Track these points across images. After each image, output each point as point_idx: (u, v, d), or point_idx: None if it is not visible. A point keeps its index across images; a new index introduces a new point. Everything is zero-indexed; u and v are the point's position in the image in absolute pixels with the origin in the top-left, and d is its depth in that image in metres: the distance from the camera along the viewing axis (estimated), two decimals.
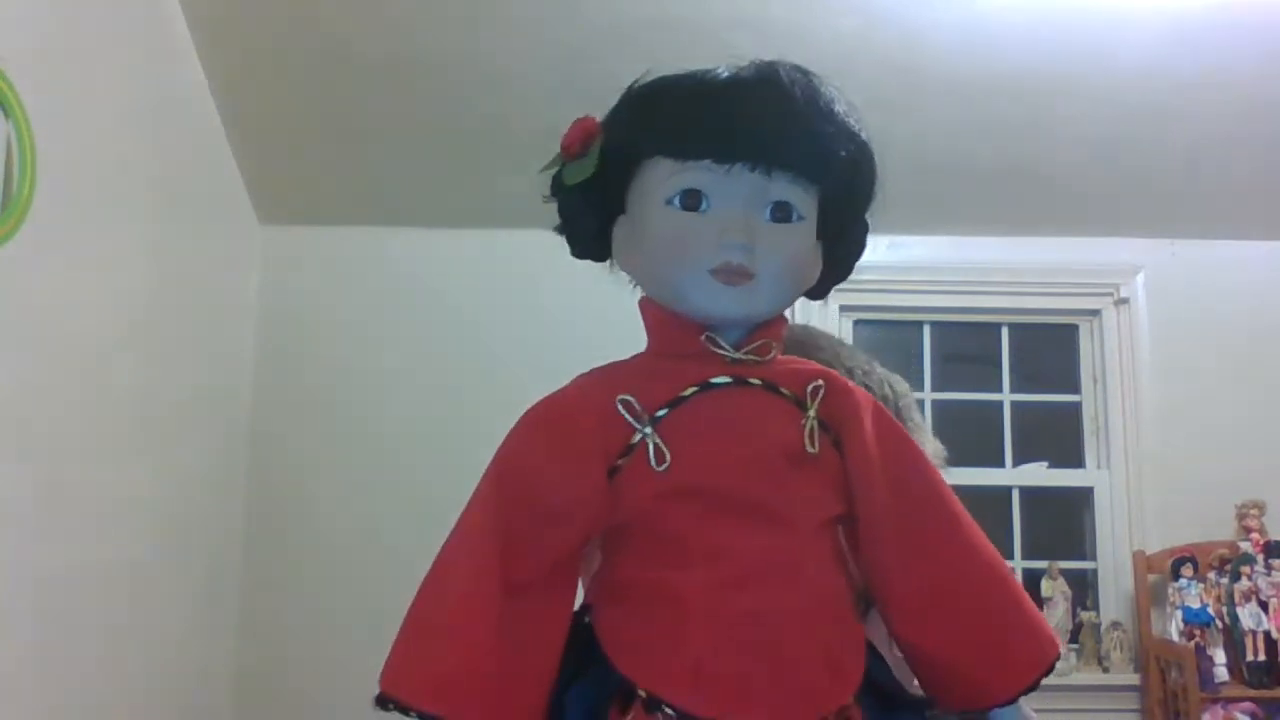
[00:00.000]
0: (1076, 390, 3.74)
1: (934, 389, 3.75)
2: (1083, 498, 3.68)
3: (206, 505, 3.21)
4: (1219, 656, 3.28)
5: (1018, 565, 3.61)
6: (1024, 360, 3.79)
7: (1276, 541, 3.40)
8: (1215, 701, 3.22)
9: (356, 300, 3.57)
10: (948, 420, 3.74)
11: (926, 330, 3.77)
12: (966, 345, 3.85)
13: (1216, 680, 3.25)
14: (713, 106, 1.00)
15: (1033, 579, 3.51)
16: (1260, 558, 3.38)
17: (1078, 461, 3.71)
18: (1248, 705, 3.23)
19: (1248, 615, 3.31)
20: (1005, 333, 3.77)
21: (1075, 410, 3.73)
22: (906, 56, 3.00)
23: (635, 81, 1.04)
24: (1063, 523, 3.72)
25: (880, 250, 3.67)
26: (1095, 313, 3.71)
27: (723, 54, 1.04)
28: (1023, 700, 1.05)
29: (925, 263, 3.66)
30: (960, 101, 3.15)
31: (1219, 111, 3.18)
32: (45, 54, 2.28)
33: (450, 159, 3.31)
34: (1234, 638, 3.31)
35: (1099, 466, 3.66)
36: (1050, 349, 3.79)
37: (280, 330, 3.55)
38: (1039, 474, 3.68)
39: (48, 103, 2.22)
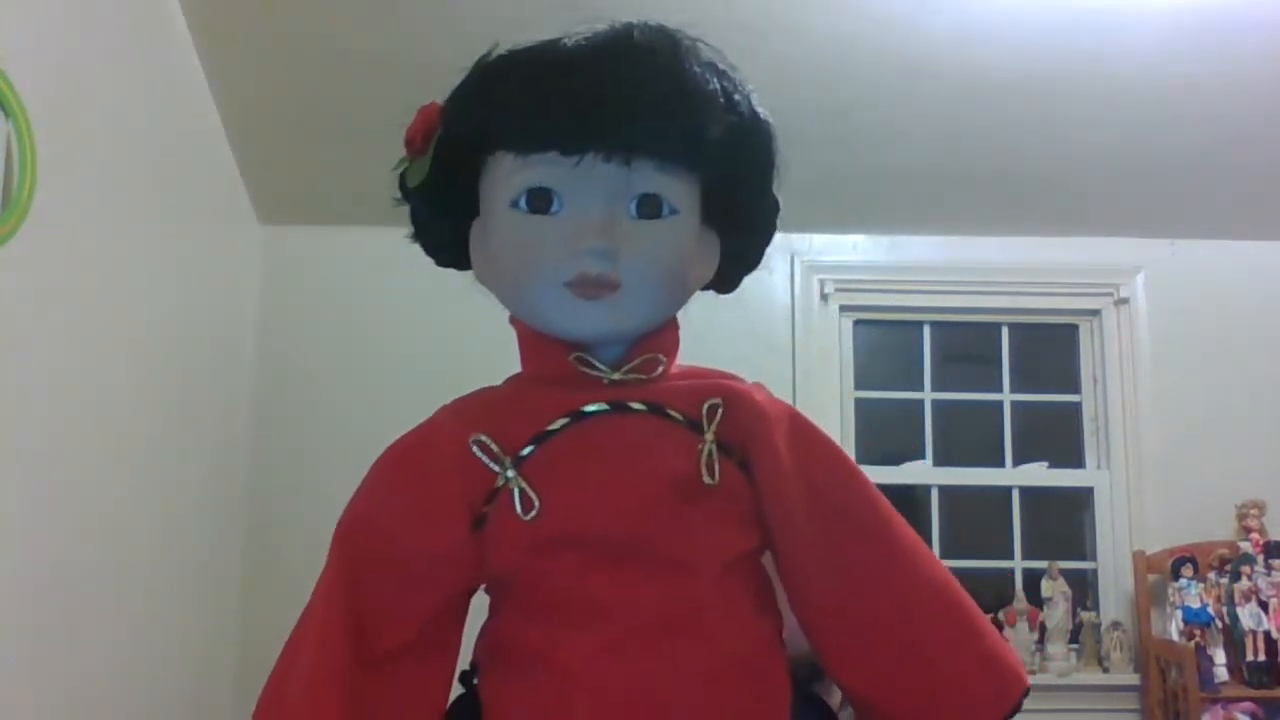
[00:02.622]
0: (1076, 390, 3.74)
1: (934, 389, 3.75)
2: (1083, 498, 3.68)
3: (206, 504, 3.20)
4: (1219, 656, 3.28)
5: (1018, 565, 3.61)
6: (1024, 360, 3.78)
7: (1276, 541, 3.40)
8: (1215, 701, 3.22)
9: (356, 300, 3.57)
10: (948, 420, 3.74)
11: (926, 330, 3.77)
12: (966, 345, 3.85)
13: (1216, 680, 3.25)
14: (554, 86, 0.82)
15: (1033, 579, 3.51)
16: (1260, 558, 3.37)
17: (1078, 461, 3.71)
18: (1248, 705, 3.23)
19: (1248, 615, 3.31)
20: (1005, 333, 3.76)
21: (1075, 410, 3.73)
22: (906, 56, 3.00)
23: (482, 57, 0.88)
24: (1063, 523, 3.72)
25: (880, 250, 3.68)
26: (1095, 313, 3.71)
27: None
28: None
29: (925, 263, 3.66)
30: (960, 101, 3.14)
31: (1219, 112, 3.18)
32: (45, 54, 2.28)
33: None
34: (1234, 638, 3.31)
35: (1099, 466, 3.66)
36: (1050, 349, 3.79)
37: (280, 330, 3.55)
38: (1039, 474, 3.67)
39: (48, 103, 2.22)
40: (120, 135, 2.62)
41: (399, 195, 0.93)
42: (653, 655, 0.82)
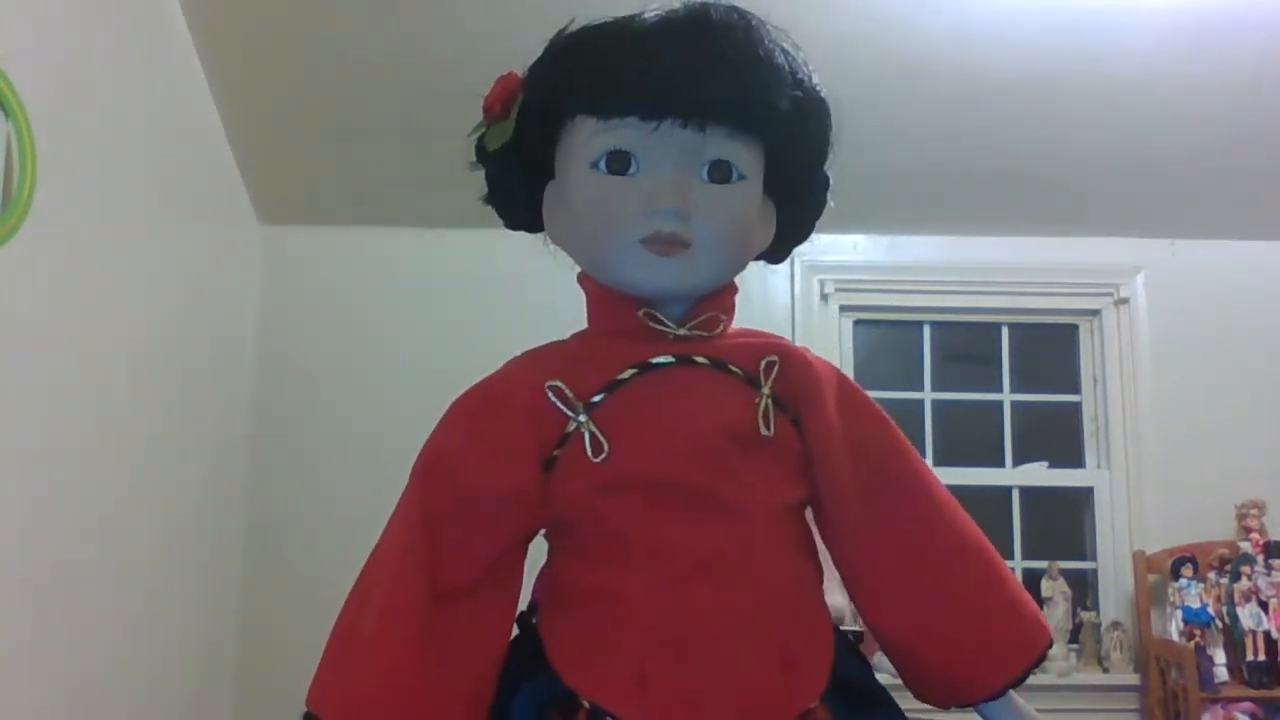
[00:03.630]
0: (1076, 390, 3.74)
1: (934, 389, 3.75)
2: (1083, 498, 3.68)
3: (206, 504, 3.20)
4: (1219, 656, 3.28)
5: (1018, 565, 3.61)
6: (1024, 360, 3.79)
7: (1276, 541, 3.40)
8: (1215, 701, 3.22)
9: (356, 300, 3.57)
10: (948, 420, 3.74)
11: (926, 330, 3.77)
12: (966, 345, 3.85)
13: (1216, 680, 3.25)
14: (636, 57, 0.89)
15: (1033, 579, 3.51)
16: (1260, 558, 3.38)
17: (1078, 461, 3.71)
18: (1248, 705, 3.23)
19: (1248, 615, 3.31)
20: (1005, 333, 3.77)
21: (1075, 410, 3.73)
22: (906, 56, 3.00)
23: (560, 31, 0.94)
24: (1063, 523, 3.72)
25: (880, 250, 3.68)
26: (1095, 313, 3.71)
27: None
28: (1017, 695, 0.95)
29: (925, 263, 3.66)
30: (960, 101, 3.14)
31: (1219, 112, 3.18)
32: (45, 54, 2.28)
33: (450, 159, 3.30)
34: (1234, 638, 3.31)
35: (1099, 466, 3.66)
36: (1050, 349, 3.79)
37: (280, 330, 3.55)
38: (1039, 474, 3.67)
39: (48, 103, 2.22)
40: (120, 135, 2.62)
41: (474, 159, 0.99)
42: (706, 592, 0.88)
